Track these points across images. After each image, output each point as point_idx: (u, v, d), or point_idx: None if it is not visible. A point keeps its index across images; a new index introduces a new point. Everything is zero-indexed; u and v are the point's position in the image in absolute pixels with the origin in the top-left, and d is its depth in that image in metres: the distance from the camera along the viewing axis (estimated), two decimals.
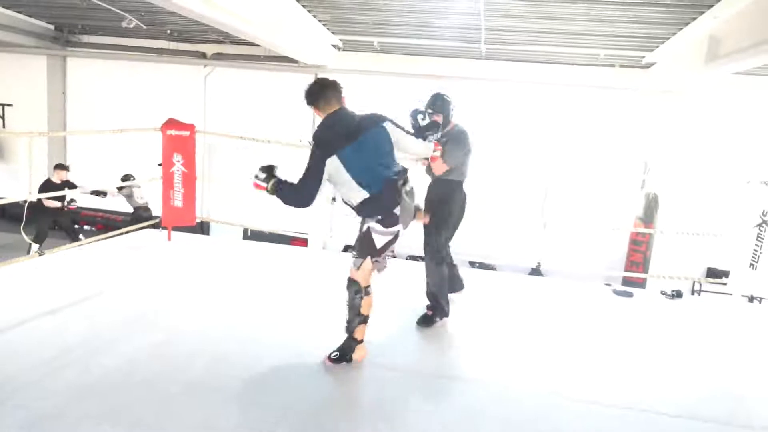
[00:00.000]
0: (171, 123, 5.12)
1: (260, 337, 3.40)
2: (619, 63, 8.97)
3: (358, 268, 3.01)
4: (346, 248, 8.93)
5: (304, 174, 2.88)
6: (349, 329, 3.07)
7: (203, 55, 10.64)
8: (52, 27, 10.84)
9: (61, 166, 8.11)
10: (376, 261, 3.03)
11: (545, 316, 4.32)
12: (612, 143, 9.22)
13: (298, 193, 2.92)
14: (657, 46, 7.85)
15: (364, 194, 2.88)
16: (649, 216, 8.77)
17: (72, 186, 7.81)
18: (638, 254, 8.84)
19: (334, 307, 3.67)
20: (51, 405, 2.47)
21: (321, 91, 2.93)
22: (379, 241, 2.98)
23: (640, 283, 8.15)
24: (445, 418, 2.67)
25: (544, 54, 8.92)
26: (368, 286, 3.04)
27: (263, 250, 5.57)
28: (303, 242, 9.14)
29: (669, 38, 7.32)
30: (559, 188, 9.28)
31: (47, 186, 7.77)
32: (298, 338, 3.42)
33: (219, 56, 10.57)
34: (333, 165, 2.83)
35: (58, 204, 8.06)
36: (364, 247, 3.02)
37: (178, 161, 5.08)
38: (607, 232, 9.06)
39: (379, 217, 2.95)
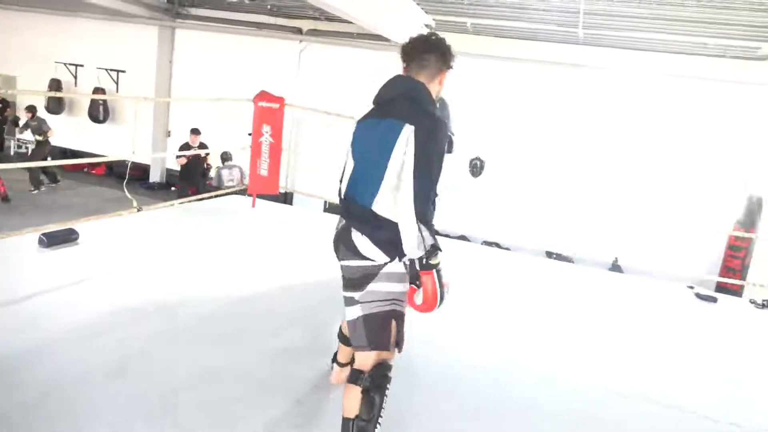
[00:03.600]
0: (263, 95, 5.37)
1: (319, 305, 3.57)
2: (730, 53, 8.33)
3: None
4: None
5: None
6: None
7: (299, 31, 10.95)
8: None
9: (195, 131, 9.13)
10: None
11: (622, 314, 4.20)
12: (716, 139, 8.59)
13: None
14: None
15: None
16: (750, 220, 8.14)
17: (204, 146, 9.01)
18: (736, 260, 8.25)
19: None
20: (143, 343, 2.75)
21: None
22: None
23: (736, 291, 7.65)
24: (508, 414, 2.71)
25: (645, 41, 8.43)
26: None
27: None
28: None
29: None
30: (652, 183, 8.81)
31: (185, 148, 9.01)
32: None
33: (314, 32, 10.85)
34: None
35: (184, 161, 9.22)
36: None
37: (267, 132, 5.33)
38: (701, 235, 8.51)
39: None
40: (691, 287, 5.00)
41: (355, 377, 1.99)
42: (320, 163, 10.19)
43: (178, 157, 8.94)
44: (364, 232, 2.00)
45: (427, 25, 9.73)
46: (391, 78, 2.16)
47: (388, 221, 1.95)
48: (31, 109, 10.32)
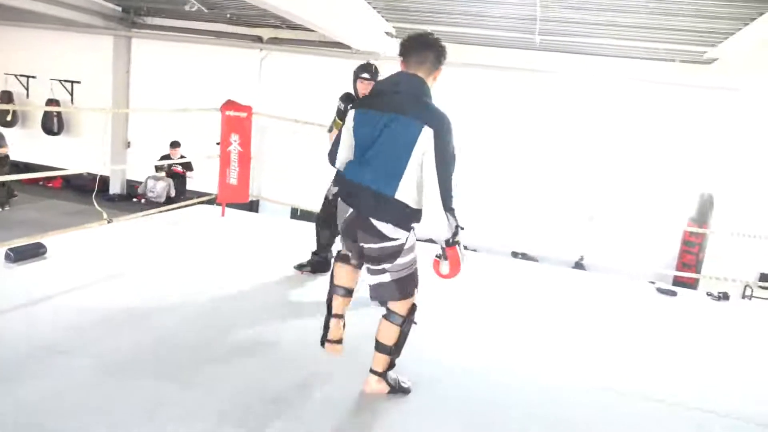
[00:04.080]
0: (230, 104, 5.35)
1: (284, 310, 3.58)
2: (679, 58, 8.72)
3: None
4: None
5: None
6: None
7: (260, 39, 10.90)
8: (119, 9, 11.34)
9: (175, 144, 9.30)
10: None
11: (585, 310, 4.35)
12: (668, 140, 8.97)
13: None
14: (720, 42, 7.59)
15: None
16: (702, 217, 8.52)
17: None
18: (690, 256, 8.62)
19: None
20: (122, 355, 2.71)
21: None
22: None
23: (692, 284, 7.98)
24: (496, 414, 2.77)
25: (600, 46, 8.74)
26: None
27: (310, 229, 5.76)
28: None
29: (734, 33, 7.07)
30: (609, 183, 9.12)
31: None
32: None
33: (275, 40, 10.82)
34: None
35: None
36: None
37: (235, 141, 5.30)
38: (658, 232, 8.86)
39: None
40: (653, 282, 5.21)
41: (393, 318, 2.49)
42: (286, 171, 10.20)
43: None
44: (385, 219, 2.33)
45: (387, 33, 9.86)
46: (395, 73, 2.43)
47: (400, 205, 2.30)
48: None
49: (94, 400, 2.33)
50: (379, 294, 2.51)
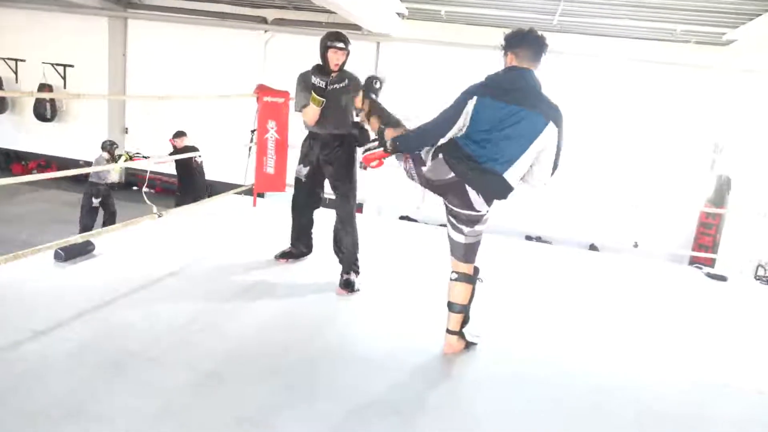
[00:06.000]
0: (264, 89, 5.09)
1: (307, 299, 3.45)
2: (695, 39, 8.68)
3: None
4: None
5: (440, 113, 2.67)
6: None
7: (264, 20, 10.58)
8: None
9: (180, 134, 8.11)
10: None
11: (645, 298, 4.27)
12: (686, 122, 8.96)
13: (425, 132, 2.70)
14: (743, 23, 7.55)
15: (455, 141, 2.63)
16: (719, 198, 8.57)
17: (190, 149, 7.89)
18: (707, 237, 8.68)
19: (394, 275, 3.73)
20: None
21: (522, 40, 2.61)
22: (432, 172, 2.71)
23: (708, 264, 8.04)
24: (601, 414, 2.69)
25: (617, 27, 8.66)
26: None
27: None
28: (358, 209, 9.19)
29: (761, 15, 7.03)
30: (626, 165, 9.10)
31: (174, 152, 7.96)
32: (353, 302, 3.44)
33: (280, 21, 10.51)
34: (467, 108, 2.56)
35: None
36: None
37: (272, 128, 5.06)
38: (675, 214, 8.89)
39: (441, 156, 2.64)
40: (699, 267, 5.18)
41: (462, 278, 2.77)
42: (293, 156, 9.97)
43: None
44: (480, 192, 2.62)
45: (399, 13, 9.63)
46: (510, 67, 2.62)
47: (504, 183, 2.60)
48: None
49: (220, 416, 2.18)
50: (452, 249, 2.78)
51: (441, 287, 2.90)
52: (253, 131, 5.20)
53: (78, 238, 3.52)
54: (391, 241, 4.95)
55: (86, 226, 7.56)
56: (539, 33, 2.64)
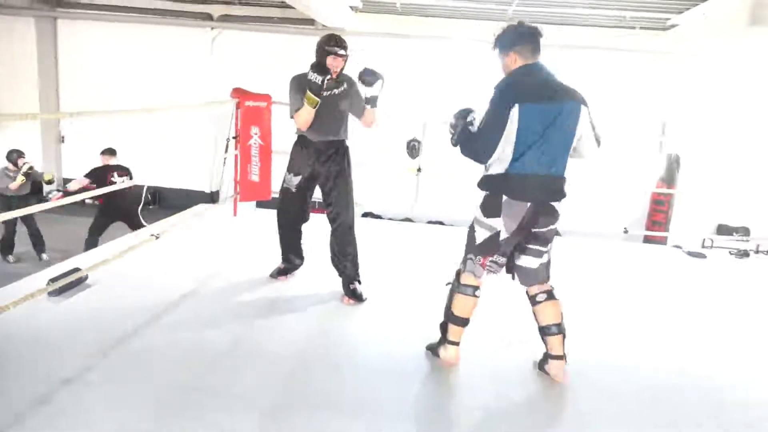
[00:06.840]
0: (243, 93, 4.87)
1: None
2: (640, 25, 9.03)
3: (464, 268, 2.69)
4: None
5: (482, 123, 2.53)
6: (445, 315, 2.77)
7: (209, 17, 10.11)
8: None
9: (109, 151, 7.02)
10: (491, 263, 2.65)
11: (632, 281, 4.40)
12: (632, 105, 9.31)
13: (473, 143, 2.54)
14: (687, 8, 7.93)
15: (503, 168, 2.50)
16: (670, 176, 9.00)
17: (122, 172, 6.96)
18: (660, 214, 9.10)
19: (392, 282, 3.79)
20: None
21: (520, 36, 2.55)
22: (480, 235, 2.60)
23: (662, 241, 8.45)
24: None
25: (571, 16, 8.88)
26: (470, 285, 2.65)
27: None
28: None
29: (704, 1, 7.39)
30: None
31: (97, 174, 6.80)
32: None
33: (227, 18, 10.08)
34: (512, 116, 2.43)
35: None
36: (468, 243, 2.68)
37: (256, 134, 4.86)
38: (625, 193, 9.24)
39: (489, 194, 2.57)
40: (678, 247, 5.42)
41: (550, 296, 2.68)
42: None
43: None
44: (557, 200, 2.57)
45: (353, 7, 9.47)
46: (529, 64, 2.57)
47: (564, 182, 2.59)
48: None
49: None
50: (532, 278, 2.67)
51: (440, 287, 2.87)
52: (235, 138, 4.95)
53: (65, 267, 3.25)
54: (382, 243, 4.86)
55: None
56: (527, 23, 2.62)
